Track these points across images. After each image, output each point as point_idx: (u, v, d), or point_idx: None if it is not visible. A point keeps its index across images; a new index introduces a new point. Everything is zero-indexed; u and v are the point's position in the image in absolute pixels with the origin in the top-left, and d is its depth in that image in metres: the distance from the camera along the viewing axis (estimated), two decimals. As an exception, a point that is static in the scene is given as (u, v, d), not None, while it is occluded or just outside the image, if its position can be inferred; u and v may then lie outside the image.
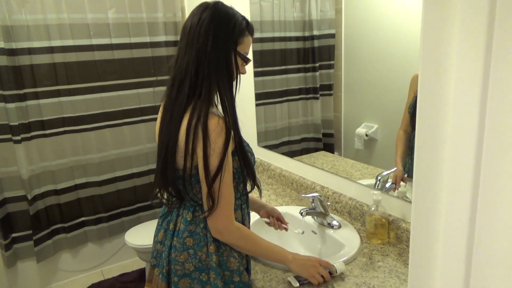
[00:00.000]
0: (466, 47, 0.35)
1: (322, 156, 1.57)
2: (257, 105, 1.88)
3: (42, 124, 2.17)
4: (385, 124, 1.30)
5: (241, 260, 1.01)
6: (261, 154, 1.94)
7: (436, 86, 0.38)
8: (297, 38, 1.57)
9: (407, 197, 1.22)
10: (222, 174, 0.89)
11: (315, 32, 1.47)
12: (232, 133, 0.91)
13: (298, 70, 1.61)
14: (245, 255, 1.04)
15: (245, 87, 1.96)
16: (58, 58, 2.13)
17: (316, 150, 1.59)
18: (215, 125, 0.87)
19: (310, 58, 1.53)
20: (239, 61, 0.96)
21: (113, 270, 2.52)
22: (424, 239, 0.42)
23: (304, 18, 1.50)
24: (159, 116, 1.01)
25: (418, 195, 0.42)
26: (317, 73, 1.51)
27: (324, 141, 1.55)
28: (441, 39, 0.37)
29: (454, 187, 0.38)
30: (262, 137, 1.89)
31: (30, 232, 2.21)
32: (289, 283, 1.03)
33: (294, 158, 1.68)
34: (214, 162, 0.88)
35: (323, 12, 1.42)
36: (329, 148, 1.53)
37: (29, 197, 2.15)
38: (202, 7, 0.93)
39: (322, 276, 1.01)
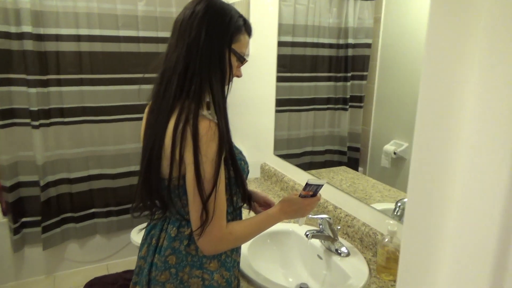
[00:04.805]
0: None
1: (343, 171, 1.49)
2: (281, 111, 1.81)
3: (62, 112, 2.16)
4: (418, 143, 1.21)
5: (232, 280, 0.93)
6: (275, 164, 1.86)
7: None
8: (330, 45, 1.50)
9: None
10: (218, 184, 0.79)
11: (350, 41, 1.40)
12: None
13: (328, 79, 1.53)
14: (237, 275, 0.97)
15: (265, 92, 1.89)
16: (84, 47, 2.12)
17: (340, 163, 1.51)
18: (206, 129, 0.78)
19: (342, 67, 1.46)
20: (234, 60, 0.89)
21: (118, 265, 2.49)
22: None
23: (340, 25, 1.43)
24: (144, 117, 0.93)
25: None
26: (348, 83, 1.43)
27: (349, 155, 1.47)
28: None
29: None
30: (283, 145, 1.82)
31: (39, 218, 2.20)
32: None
33: (311, 171, 1.60)
34: (208, 171, 0.78)
35: (360, 20, 1.35)
36: (354, 162, 1.45)
37: (42, 183, 2.14)
38: (196, 1, 0.87)
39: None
